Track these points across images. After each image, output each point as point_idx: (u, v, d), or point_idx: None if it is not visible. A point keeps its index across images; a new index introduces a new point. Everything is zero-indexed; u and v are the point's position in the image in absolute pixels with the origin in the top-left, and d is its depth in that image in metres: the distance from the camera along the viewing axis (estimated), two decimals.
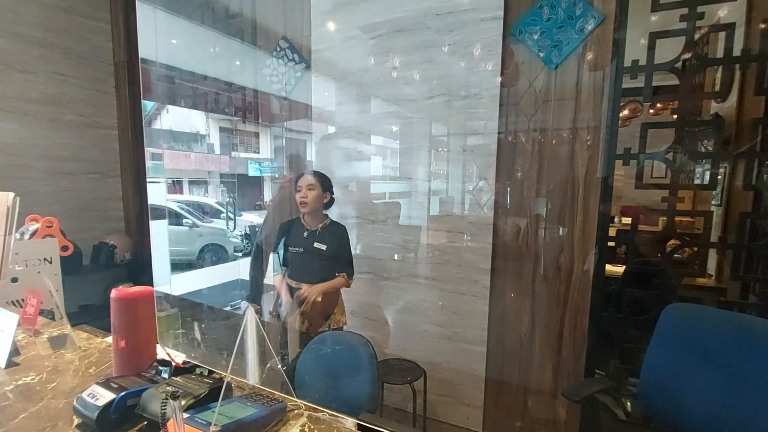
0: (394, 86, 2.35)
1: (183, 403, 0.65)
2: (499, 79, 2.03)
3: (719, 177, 2.12)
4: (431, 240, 2.31)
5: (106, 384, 0.73)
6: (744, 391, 1.21)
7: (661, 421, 1.40)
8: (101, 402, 0.68)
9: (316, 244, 1.92)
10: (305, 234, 1.95)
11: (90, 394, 0.70)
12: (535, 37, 1.94)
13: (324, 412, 0.72)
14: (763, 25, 1.76)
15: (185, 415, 0.61)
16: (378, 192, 2.59)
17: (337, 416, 0.69)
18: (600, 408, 1.91)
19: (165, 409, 0.56)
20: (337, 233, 1.99)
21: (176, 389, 0.67)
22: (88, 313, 2.92)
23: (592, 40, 1.84)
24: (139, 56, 3.01)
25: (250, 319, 0.62)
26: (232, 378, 0.62)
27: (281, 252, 1.99)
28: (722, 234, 2.21)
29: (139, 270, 3.25)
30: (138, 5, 2.93)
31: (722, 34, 1.75)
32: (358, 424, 0.66)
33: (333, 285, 1.95)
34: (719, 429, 1.23)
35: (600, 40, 1.83)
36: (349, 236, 2.05)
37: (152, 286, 0.87)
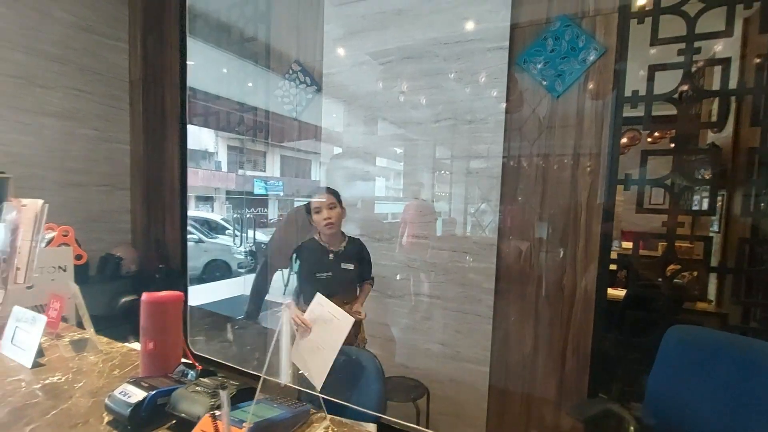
0: (401, 110, 2.43)
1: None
2: (504, 105, 2.11)
3: (718, 204, 2.19)
4: (435, 259, 2.35)
5: (136, 383, 0.76)
6: (747, 414, 1.22)
7: None
8: (133, 400, 0.71)
9: (343, 265, 1.82)
10: (330, 256, 1.83)
11: (122, 392, 0.74)
12: (539, 66, 2.03)
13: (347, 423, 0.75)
14: (757, 60, 1.85)
15: (217, 413, 0.65)
16: (381, 212, 2.65)
17: (358, 422, 0.72)
18: (606, 428, 1.91)
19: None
20: (358, 249, 1.92)
21: (214, 386, 0.71)
22: (93, 324, 2.92)
23: (594, 70, 1.93)
24: (187, 84, 3.11)
25: (286, 321, 0.65)
26: (265, 378, 0.65)
27: (294, 278, 1.85)
28: (721, 259, 2.26)
29: (144, 283, 3.27)
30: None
31: (718, 68, 1.85)
32: (378, 426, 0.69)
33: (365, 296, 1.91)
34: None
35: (601, 71, 1.91)
36: None
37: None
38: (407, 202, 2.51)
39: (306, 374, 1.50)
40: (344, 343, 1.76)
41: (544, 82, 2.02)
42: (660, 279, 1.93)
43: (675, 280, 1.95)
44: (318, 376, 1.47)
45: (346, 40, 2.56)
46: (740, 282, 1.92)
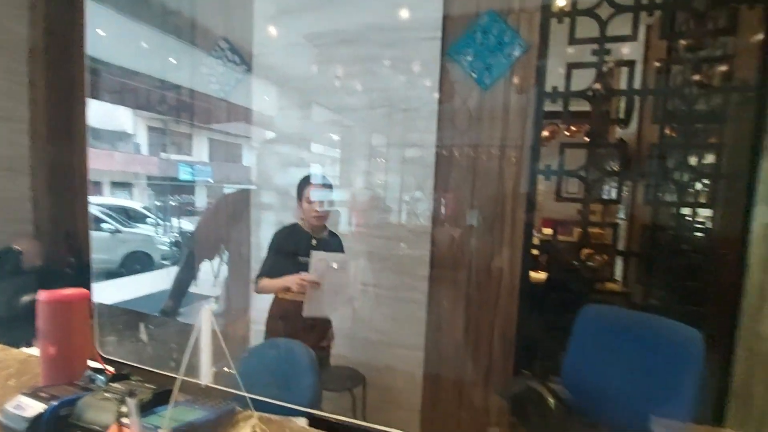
0: (336, 95, 2.38)
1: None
2: (437, 95, 2.14)
3: (624, 194, 2.42)
4: (372, 247, 2.36)
5: (33, 394, 0.68)
6: (649, 383, 1.37)
7: (583, 409, 1.54)
8: (30, 413, 0.64)
9: None
10: (314, 242, 1.94)
11: (16, 405, 0.66)
12: (469, 59, 2.08)
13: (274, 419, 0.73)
14: (657, 63, 2.05)
15: (125, 420, 0.60)
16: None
17: (288, 417, 0.70)
18: (528, 403, 2.06)
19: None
20: (337, 243, 2.04)
21: (123, 392, 0.65)
22: None
23: (519, 66, 2.01)
24: (85, 51, 2.77)
25: (205, 320, 0.62)
26: (183, 379, 0.61)
27: (269, 260, 1.94)
28: (627, 244, 2.51)
29: (50, 278, 2.94)
30: None
31: (626, 69, 2.02)
32: (310, 421, 0.68)
33: None
34: (629, 413, 1.38)
35: (525, 66, 2.00)
36: None
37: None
38: (347, 190, 2.48)
39: (340, 312, 1.64)
40: (313, 344, 1.78)
41: (474, 75, 2.08)
42: (576, 262, 2.10)
43: (588, 263, 2.13)
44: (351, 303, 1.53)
45: (278, 18, 2.45)
46: (642, 264, 2.15)
